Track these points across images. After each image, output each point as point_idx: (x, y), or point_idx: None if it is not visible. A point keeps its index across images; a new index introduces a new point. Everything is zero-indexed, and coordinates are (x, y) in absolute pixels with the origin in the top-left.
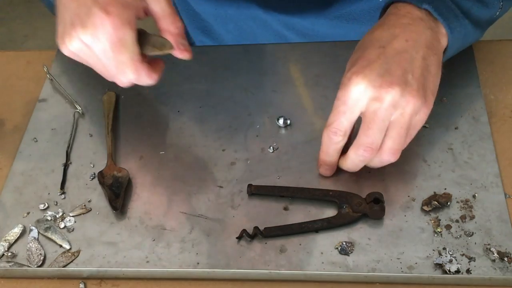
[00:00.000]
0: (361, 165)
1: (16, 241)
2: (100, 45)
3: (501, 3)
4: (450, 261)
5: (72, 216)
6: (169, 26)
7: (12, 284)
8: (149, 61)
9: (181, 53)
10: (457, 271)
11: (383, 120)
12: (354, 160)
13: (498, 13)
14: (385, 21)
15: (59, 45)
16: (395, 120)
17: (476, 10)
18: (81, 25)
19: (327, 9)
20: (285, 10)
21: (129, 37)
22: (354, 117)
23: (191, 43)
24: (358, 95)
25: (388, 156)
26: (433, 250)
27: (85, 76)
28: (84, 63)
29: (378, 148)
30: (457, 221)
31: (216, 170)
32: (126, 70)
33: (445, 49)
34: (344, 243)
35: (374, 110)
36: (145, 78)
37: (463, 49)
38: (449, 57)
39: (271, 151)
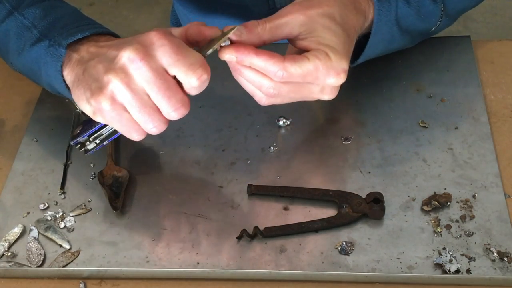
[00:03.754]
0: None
1: (16, 241)
2: (155, 63)
3: (439, 22)
4: (450, 261)
5: (72, 216)
6: (192, 23)
7: (12, 284)
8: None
9: (208, 29)
10: (457, 271)
11: None
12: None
13: (433, 29)
14: None
15: (93, 102)
16: None
17: (411, 21)
18: (124, 49)
19: None
20: None
21: (183, 43)
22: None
23: None
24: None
25: None
26: (433, 250)
27: None
28: (118, 114)
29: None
30: (457, 221)
31: (216, 170)
32: (198, 71)
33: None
34: (344, 243)
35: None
36: (207, 79)
37: (387, 52)
38: (369, 56)
39: (271, 151)
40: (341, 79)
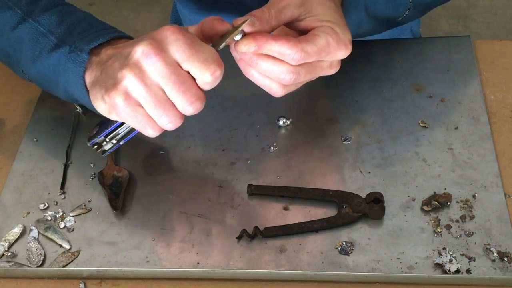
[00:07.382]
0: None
1: (16, 241)
2: (169, 58)
3: (406, 12)
4: (450, 261)
5: (72, 216)
6: (207, 19)
7: (12, 284)
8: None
9: (221, 24)
10: (457, 271)
11: None
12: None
13: (400, 18)
14: None
15: (107, 98)
16: None
17: (379, 8)
18: (137, 44)
19: None
20: None
21: (197, 38)
22: None
23: None
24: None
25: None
26: (433, 250)
27: None
28: (133, 110)
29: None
30: (457, 221)
31: (216, 170)
32: (212, 66)
33: None
34: (344, 243)
35: None
36: (220, 74)
37: (354, 38)
38: None
39: (271, 151)
40: (349, 50)
